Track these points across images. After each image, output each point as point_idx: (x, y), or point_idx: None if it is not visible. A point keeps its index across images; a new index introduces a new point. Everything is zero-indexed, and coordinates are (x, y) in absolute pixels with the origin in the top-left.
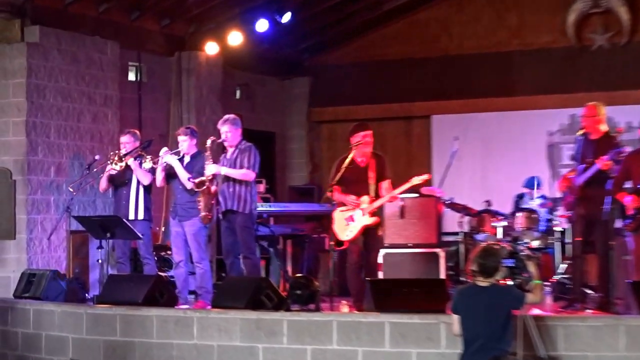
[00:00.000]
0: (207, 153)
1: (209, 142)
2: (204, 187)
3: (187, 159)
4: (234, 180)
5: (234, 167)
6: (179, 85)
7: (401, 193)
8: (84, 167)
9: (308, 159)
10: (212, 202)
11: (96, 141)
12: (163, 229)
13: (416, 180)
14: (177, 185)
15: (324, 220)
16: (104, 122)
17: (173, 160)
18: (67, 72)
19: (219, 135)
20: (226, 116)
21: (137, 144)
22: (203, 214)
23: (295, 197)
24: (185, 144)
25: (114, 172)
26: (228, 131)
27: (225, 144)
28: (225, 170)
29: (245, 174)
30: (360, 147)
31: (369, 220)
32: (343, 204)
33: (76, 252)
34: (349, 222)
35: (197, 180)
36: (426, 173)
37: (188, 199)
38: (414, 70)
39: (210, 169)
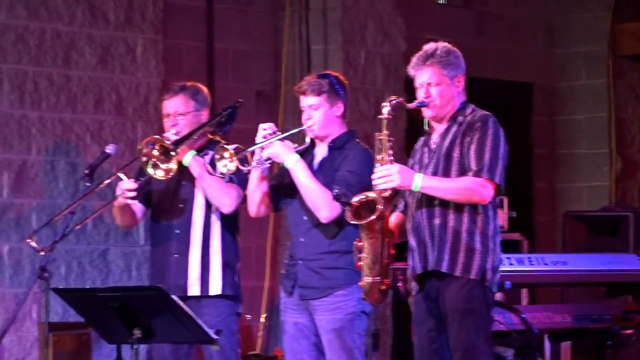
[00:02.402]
0: (382, 135)
1: (385, 109)
2: (373, 218)
3: (321, 151)
4: (446, 204)
5: (447, 171)
6: None
7: None
8: (82, 175)
9: (613, 145)
10: (391, 252)
11: (107, 112)
12: (264, 317)
13: None
14: (298, 214)
15: None
16: (127, 65)
17: (287, 156)
18: None
19: (408, 95)
20: (431, 46)
21: (204, 114)
22: (368, 280)
23: (582, 240)
24: (318, 114)
25: (152, 183)
26: (434, 82)
27: (427, 114)
28: (425, 183)
29: (472, 186)
30: None
31: None
32: None
33: None
34: None
35: (355, 201)
36: None
37: (326, 248)
38: None
39: (389, 173)
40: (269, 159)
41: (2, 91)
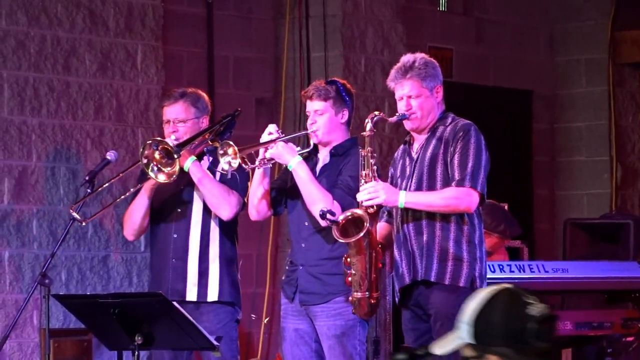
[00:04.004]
0: (365, 152)
1: (367, 126)
2: (359, 236)
3: (323, 157)
4: (432, 214)
5: (432, 183)
6: None
7: None
8: (82, 181)
9: (614, 152)
10: (379, 266)
11: (108, 118)
12: (266, 321)
13: None
14: (299, 219)
15: None
16: (127, 71)
17: (290, 157)
18: None
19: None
20: (409, 59)
21: (204, 121)
22: (357, 295)
23: (583, 247)
24: (323, 119)
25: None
26: (414, 94)
27: (409, 126)
28: (410, 199)
29: (457, 195)
30: None
31: None
32: None
33: None
34: None
35: (342, 219)
36: None
37: (327, 253)
38: None
39: (374, 190)
40: (271, 159)
41: (3, 97)
